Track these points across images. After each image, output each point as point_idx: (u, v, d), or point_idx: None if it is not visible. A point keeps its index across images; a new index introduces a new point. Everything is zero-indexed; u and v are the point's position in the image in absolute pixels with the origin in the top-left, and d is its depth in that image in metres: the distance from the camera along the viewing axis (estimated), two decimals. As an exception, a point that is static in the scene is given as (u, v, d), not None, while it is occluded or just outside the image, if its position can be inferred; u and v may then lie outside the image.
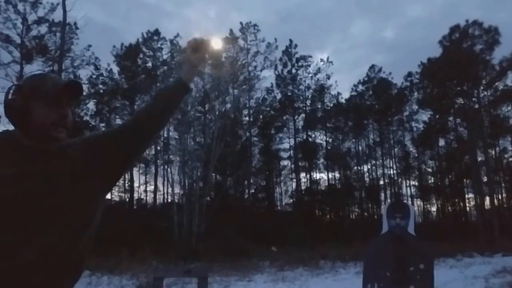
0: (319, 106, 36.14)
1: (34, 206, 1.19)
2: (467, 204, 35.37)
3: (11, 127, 1.35)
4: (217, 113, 25.55)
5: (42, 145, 1.29)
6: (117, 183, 1.65)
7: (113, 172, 1.41)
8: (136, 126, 1.42)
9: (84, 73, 34.08)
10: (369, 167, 37.85)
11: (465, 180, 34.32)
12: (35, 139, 1.29)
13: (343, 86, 79.36)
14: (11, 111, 1.29)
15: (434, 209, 38.23)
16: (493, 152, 33.51)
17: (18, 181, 1.20)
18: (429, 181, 37.50)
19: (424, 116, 34.59)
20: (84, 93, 31.21)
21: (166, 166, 26.34)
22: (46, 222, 1.20)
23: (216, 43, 1.61)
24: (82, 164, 1.31)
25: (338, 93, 36.60)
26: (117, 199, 31.16)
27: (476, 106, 27.09)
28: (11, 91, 1.30)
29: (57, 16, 23.10)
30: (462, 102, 27.72)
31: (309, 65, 34.68)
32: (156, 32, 29.76)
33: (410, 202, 30.41)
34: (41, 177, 1.24)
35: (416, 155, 37.38)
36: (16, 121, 1.29)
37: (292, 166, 36.09)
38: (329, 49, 56.88)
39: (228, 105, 27.67)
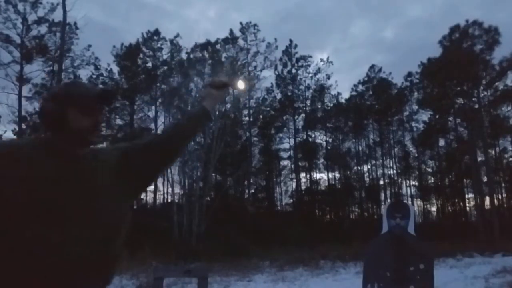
0: (319, 106, 36.18)
1: (69, 207, 1.25)
2: (467, 204, 35.44)
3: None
4: (217, 113, 25.54)
5: (76, 150, 1.35)
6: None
7: (138, 182, 1.50)
8: (160, 144, 1.56)
9: (84, 73, 34.07)
10: (369, 167, 37.95)
11: (465, 180, 34.36)
12: (70, 144, 1.34)
13: (343, 86, 79.50)
14: (47, 117, 1.35)
15: (434, 209, 38.33)
16: (493, 152, 33.55)
17: (54, 183, 1.25)
18: (429, 181, 37.55)
19: (424, 116, 34.67)
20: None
21: (166, 166, 26.35)
22: (81, 223, 1.25)
23: (241, 84, 1.80)
24: (112, 170, 1.40)
25: (338, 93, 36.70)
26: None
27: (476, 106, 27.11)
28: (46, 97, 1.38)
29: (57, 16, 23.19)
30: (462, 102, 27.74)
31: (309, 65, 34.77)
32: (156, 32, 29.81)
33: (410, 202, 30.43)
34: (75, 179, 1.30)
35: (416, 155, 37.43)
36: (51, 126, 1.35)
37: (292, 166, 36.15)
38: (329, 49, 57.00)
39: (228, 105, 27.68)
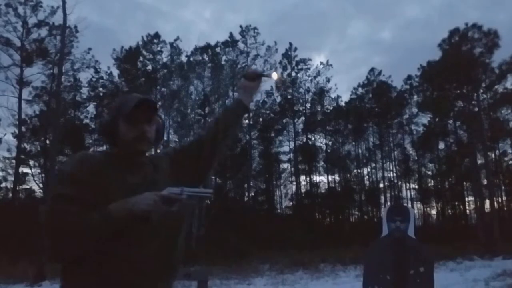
0: (319, 109, 36.20)
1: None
2: (467, 207, 35.38)
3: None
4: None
5: (133, 159, 1.44)
6: None
7: (191, 180, 1.53)
8: (201, 141, 1.63)
9: (84, 76, 34.06)
10: (369, 170, 37.94)
11: (465, 183, 34.31)
12: (125, 154, 1.44)
13: (341, 87, 79.35)
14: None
15: (434, 212, 38.24)
16: (493, 155, 33.53)
17: (122, 192, 1.33)
18: (429, 184, 37.49)
19: (424, 119, 34.67)
20: (84, 96, 30.77)
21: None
22: (154, 230, 1.36)
23: (274, 75, 1.83)
24: (167, 174, 1.50)
25: (338, 96, 36.73)
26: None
27: (476, 109, 27.08)
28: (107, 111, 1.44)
29: (57, 19, 23.23)
30: (462, 105, 27.72)
31: (309, 68, 34.82)
32: (156, 35, 29.85)
33: (410, 205, 30.43)
34: (141, 188, 1.36)
35: (416, 158, 37.39)
36: (105, 137, 1.47)
37: (292, 169, 36.13)
38: (327, 51, 56.89)
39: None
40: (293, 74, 34.59)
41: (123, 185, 1.36)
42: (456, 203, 36.27)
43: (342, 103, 36.57)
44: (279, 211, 35.78)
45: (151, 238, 1.34)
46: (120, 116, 1.42)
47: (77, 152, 1.46)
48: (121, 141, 1.43)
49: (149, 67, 30.09)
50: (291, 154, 35.79)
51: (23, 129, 25.52)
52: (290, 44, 34.14)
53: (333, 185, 36.43)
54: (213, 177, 27.05)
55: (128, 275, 1.28)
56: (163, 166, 1.52)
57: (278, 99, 34.81)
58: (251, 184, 32.62)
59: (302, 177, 35.82)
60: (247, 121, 32.80)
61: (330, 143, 37.13)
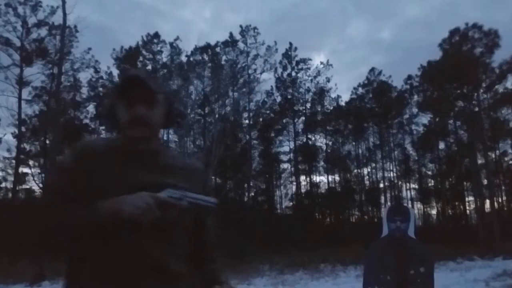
0: (319, 109, 36.17)
1: None
2: (467, 207, 35.37)
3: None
4: (217, 116, 25.56)
5: (138, 146, 1.28)
6: None
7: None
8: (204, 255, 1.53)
9: (84, 76, 34.02)
10: (369, 170, 37.87)
11: (465, 183, 34.28)
12: (125, 140, 1.28)
13: (340, 87, 79.17)
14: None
15: (434, 212, 38.22)
16: (493, 155, 33.49)
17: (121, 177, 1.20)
18: (429, 184, 37.47)
19: (424, 119, 34.58)
20: (84, 96, 30.62)
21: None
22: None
23: None
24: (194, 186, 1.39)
25: (338, 96, 36.69)
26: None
27: (476, 109, 27.08)
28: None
29: (57, 19, 23.21)
30: (462, 105, 27.71)
31: (309, 68, 34.78)
32: (156, 35, 29.86)
33: (410, 205, 30.40)
34: (150, 182, 1.23)
35: (416, 158, 37.35)
36: (106, 123, 1.34)
37: (292, 169, 36.10)
38: (326, 50, 56.76)
39: (228, 108, 27.70)
40: (293, 74, 34.60)
41: (123, 178, 1.19)
42: (456, 203, 36.25)
43: (342, 103, 36.56)
44: (279, 211, 35.75)
45: (144, 243, 1.18)
46: (118, 98, 1.25)
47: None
48: (120, 127, 1.27)
49: (149, 67, 30.05)
50: (291, 154, 35.80)
51: (23, 129, 25.50)
52: (290, 44, 34.15)
53: (333, 185, 36.40)
54: (213, 177, 27.02)
55: (116, 282, 1.14)
56: (196, 178, 1.43)
57: (278, 99, 34.85)
58: (251, 184, 32.59)
59: (302, 177, 35.85)
60: (247, 121, 32.83)
61: (330, 143, 37.12)
